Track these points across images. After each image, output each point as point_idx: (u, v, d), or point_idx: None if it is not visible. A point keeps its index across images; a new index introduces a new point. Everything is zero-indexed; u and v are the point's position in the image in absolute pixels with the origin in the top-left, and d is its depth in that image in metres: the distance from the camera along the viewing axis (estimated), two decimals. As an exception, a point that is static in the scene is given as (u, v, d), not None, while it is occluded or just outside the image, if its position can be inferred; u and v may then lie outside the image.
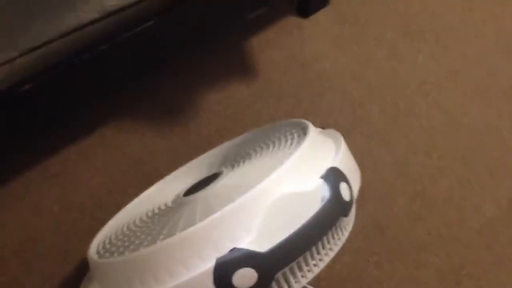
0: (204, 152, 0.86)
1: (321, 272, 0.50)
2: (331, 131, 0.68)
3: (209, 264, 0.45)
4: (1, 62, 0.62)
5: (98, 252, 0.61)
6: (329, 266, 0.51)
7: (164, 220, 0.58)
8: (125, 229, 0.64)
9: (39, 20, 0.62)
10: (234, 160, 0.72)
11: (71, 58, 0.69)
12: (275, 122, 0.78)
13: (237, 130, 0.93)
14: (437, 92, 1.03)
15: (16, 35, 0.61)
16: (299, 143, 0.60)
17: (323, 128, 0.69)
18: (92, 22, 0.67)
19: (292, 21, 1.10)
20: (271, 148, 0.66)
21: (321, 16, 1.11)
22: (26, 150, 0.85)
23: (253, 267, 0.45)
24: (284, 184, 0.50)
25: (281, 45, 1.06)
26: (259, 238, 0.46)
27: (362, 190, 0.60)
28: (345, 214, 0.52)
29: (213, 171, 0.72)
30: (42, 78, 0.67)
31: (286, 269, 0.47)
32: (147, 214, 0.66)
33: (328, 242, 0.51)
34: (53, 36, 0.64)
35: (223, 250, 0.46)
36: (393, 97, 1.01)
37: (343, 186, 0.53)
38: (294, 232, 0.47)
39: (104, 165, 0.87)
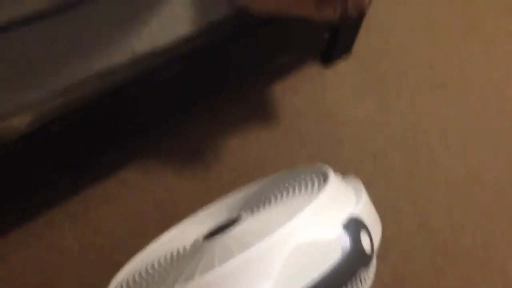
0: (225, 195, 0.86)
1: (340, 325, 0.49)
2: (352, 178, 0.68)
3: (227, 311, 0.45)
4: (33, 101, 0.64)
5: (115, 294, 0.60)
6: (348, 319, 0.49)
7: (183, 264, 0.58)
8: (143, 272, 0.64)
9: (71, 62, 0.65)
10: (254, 204, 0.72)
11: (100, 100, 0.71)
12: (295, 167, 0.79)
13: (258, 174, 0.93)
14: (459, 146, 1.02)
15: (49, 76, 0.64)
16: (319, 189, 0.60)
17: (343, 175, 0.69)
18: (123, 66, 0.70)
19: (314, 69, 1.12)
20: (291, 193, 0.66)
21: (343, 65, 1.13)
22: (49, 189, 0.87)
23: (271, 316, 0.44)
24: (304, 231, 0.50)
25: (303, 92, 1.08)
26: (277, 286, 0.46)
27: (382, 241, 0.59)
28: (366, 265, 0.52)
29: (233, 215, 0.72)
30: (71, 119, 0.69)
31: (305, 320, 0.46)
32: (165, 257, 0.66)
33: (348, 294, 0.50)
34: (85, 78, 0.67)
35: (241, 297, 0.45)
36: (415, 148, 1.01)
37: (364, 237, 0.52)
38: (313, 282, 0.47)
39: (125, 205, 0.88)
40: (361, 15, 1.02)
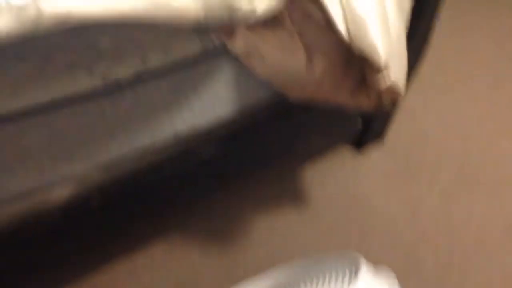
0: (251, 277, 0.84)
1: None
2: (384, 271, 0.66)
3: None
4: (75, 173, 0.66)
5: None
6: None
7: None
8: None
9: (116, 138, 0.68)
10: (282, 291, 0.70)
11: (139, 176, 0.73)
12: (326, 253, 0.77)
13: (285, 257, 0.91)
14: (494, 247, 0.98)
15: (93, 150, 0.67)
16: (351, 279, 0.59)
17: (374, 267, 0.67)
18: (164, 144, 0.72)
19: (346, 153, 1.13)
20: (321, 282, 0.64)
21: (375, 151, 1.14)
22: (80, 258, 0.87)
23: None
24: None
25: (333, 176, 1.08)
26: None
27: None
28: None
29: (260, 301, 0.70)
30: (110, 192, 0.71)
31: None
32: None
33: None
34: (127, 154, 0.69)
35: None
36: (448, 246, 0.98)
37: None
38: None
39: (150, 283, 0.87)
40: (394, 105, 1.05)
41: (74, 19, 0.41)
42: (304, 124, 0.97)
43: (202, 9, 0.52)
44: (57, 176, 0.64)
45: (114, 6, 0.42)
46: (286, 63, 0.72)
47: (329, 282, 0.63)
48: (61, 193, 0.65)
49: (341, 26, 0.64)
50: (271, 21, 0.68)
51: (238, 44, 0.70)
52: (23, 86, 0.59)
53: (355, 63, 0.72)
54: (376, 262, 0.93)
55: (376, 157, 1.13)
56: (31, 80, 0.59)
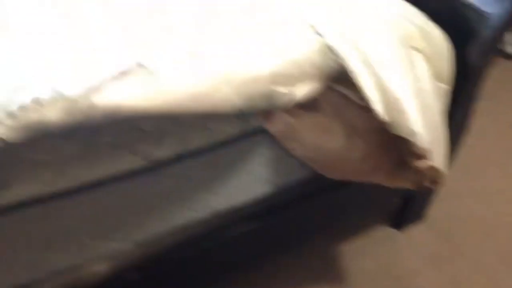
0: None
1: None
2: None
3: None
4: (114, 251, 0.67)
5: None
6: None
7: None
8: None
9: (154, 216, 0.69)
10: None
11: (175, 252, 0.73)
12: None
13: None
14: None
15: (132, 228, 0.67)
16: None
17: None
18: (200, 221, 0.73)
19: (384, 231, 1.10)
20: None
21: (415, 230, 1.10)
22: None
23: None
24: None
25: (372, 255, 1.04)
26: None
27: None
28: None
29: None
30: (147, 269, 0.71)
31: None
32: None
33: None
34: (164, 231, 0.69)
35: None
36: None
37: None
38: None
39: None
40: (435, 185, 1.02)
41: (124, 112, 0.43)
42: (342, 200, 0.96)
43: (243, 98, 0.53)
44: (96, 253, 0.65)
45: (160, 100, 0.44)
46: (325, 144, 0.72)
47: None
48: (98, 269, 0.66)
49: (379, 109, 0.64)
50: (309, 104, 0.69)
51: (276, 126, 0.71)
52: (68, 165, 0.61)
53: (394, 144, 0.71)
54: None
55: (416, 235, 1.09)
56: (76, 160, 0.61)
